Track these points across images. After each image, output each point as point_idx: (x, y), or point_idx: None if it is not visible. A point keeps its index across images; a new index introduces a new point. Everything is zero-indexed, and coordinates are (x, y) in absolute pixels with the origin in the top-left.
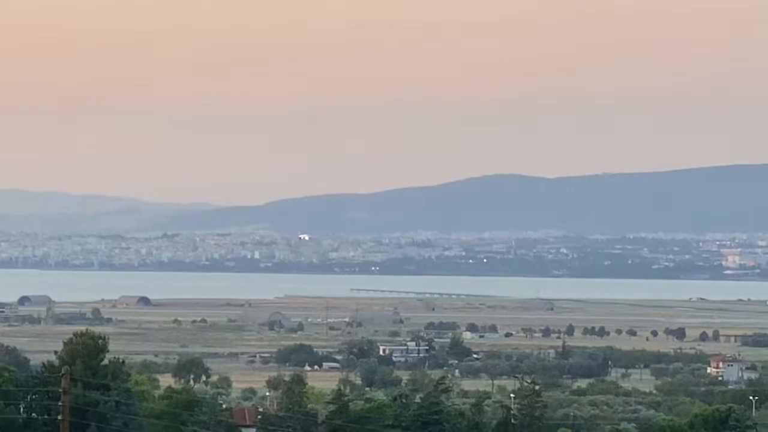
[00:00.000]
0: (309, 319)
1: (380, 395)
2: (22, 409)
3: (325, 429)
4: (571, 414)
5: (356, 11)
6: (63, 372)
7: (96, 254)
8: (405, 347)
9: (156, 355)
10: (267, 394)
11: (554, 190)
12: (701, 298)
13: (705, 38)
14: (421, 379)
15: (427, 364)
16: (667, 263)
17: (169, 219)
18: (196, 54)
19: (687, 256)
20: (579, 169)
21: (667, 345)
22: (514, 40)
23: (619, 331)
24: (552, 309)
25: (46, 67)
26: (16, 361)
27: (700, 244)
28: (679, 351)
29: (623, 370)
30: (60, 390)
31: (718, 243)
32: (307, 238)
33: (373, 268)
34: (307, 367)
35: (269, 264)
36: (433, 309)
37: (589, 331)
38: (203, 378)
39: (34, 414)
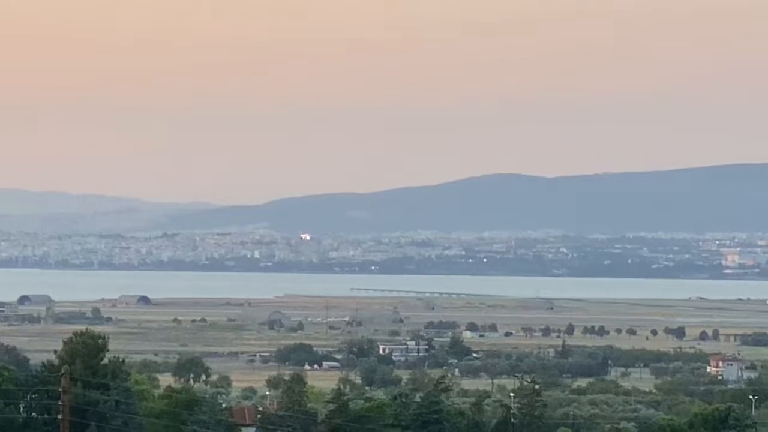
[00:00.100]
0: (309, 319)
1: (380, 394)
2: (22, 409)
3: (324, 428)
4: (571, 413)
5: (356, 11)
6: (63, 371)
7: (96, 254)
8: (405, 346)
9: (156, 355)
10: (267, 393)
11: (554, 190)
12: (701, 298)
13: (705, 38)
14: (420, 378)
15: (426, 364)
16: (666, 263)
17: (169, 218)
18: (196, 54)
19: (687, 256)
20: (579, 169)
21: (666, 344)
22: (514, 40)
23: (618, 331)
24: (552, 308)
25: (46, 67)
26: (15, 360)
27: (700, 243)
28: (678, 350)
29: (623, 370)
30: (60, 389)
31: (717, 242)
32: (308, 237)
33: (372, 268)
34: (307, 367)
35: (269, 263)
36: (433, 308)
37: (588, 331)
38: (203, 377)
39: (34, 413)
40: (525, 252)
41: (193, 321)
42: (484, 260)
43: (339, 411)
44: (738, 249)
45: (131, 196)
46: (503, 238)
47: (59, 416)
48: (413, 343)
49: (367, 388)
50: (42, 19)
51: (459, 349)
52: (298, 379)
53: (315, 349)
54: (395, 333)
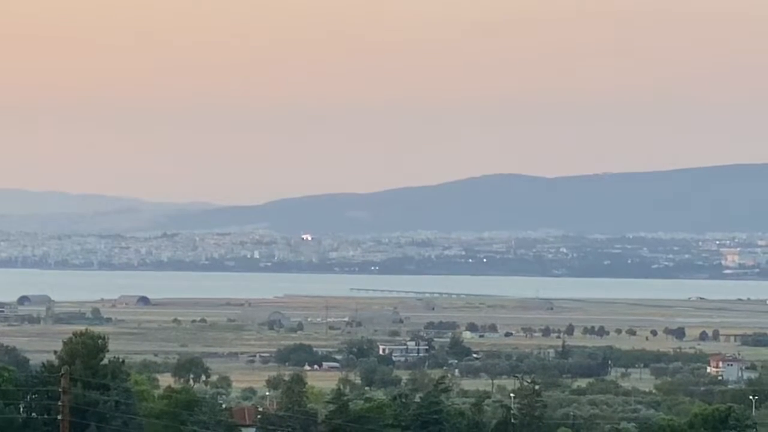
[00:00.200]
0: (309, 319)
1: (380, 395)
2: (21, 409)
3: (324, 428)
4: (571, 413)
5: (356, 11)
6: (63, 372)
7: (96, 254)
8: (405, 347)
9: (156, 355)
10: (267, 393)
11: (554, 190)
12: (701, 298)
13: (705, 38)
14: (420, 378)
15: (426, 364)
16: (666, 263)
17: (169, 219)
18: (196, 54)
19: (686, 256)
20: (579, 169)
21: (666, 344)
22: (514, 40)
23: (618, 331)
24: (552, 308)
25: (46, 67)
26: (15, 360)
27: (700, 243)
28: (678, 350)
29: (623, 370)
30: (60, 390)
31: (717, 242)
32: (309, 237)
33: (372, 268)
34: (307, 367)
35: (269, 263)
36: (433, 308)
37: (588, 331)
38: (203, 378)
39: (33, 414)
40: (525, 252)
41: (193, 321)
42: (484, 260)
43: (339, 411)
44: (738, 249)
45: (131, 196)
46: (503, 238)
47: (59, 417)
48: (413, 343)
49: (367, 388)
50: (42, 19)
51: (459, 350)
52: (298, 380)
53: (315, 349)
54: (395, 333)
